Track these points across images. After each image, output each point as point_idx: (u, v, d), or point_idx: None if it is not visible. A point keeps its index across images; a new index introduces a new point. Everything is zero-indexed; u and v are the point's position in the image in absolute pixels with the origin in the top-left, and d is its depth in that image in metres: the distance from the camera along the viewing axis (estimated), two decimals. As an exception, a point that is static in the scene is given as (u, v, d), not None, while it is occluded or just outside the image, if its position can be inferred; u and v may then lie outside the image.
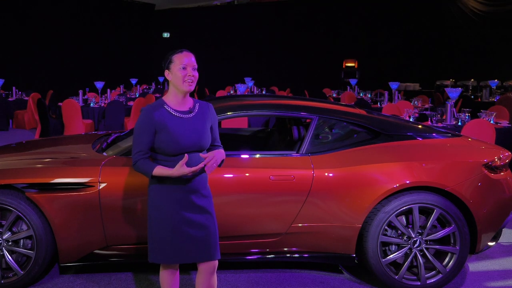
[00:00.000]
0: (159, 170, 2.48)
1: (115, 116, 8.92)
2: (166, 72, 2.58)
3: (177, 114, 2.56)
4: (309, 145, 3.45)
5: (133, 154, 2.55)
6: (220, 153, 2.58)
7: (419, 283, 3.36)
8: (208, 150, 2.72)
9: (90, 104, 9.59)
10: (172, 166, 2.48)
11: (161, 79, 17.28)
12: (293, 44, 19.21)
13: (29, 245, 3.33)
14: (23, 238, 3.33)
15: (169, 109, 2.55)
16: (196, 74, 2.57)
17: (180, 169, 2.43)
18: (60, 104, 9.23)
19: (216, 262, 2.66)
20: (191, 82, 2.54)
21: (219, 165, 2.65)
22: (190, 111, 2.60)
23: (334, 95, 13.56)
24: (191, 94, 2.87)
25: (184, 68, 2.52)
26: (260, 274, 3.67)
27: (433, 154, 3.45)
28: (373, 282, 3.55)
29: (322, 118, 3.55)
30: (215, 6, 22.11)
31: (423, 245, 3.34)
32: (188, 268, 3.64)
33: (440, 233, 3.34)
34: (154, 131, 2.51)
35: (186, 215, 2.54)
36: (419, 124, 3.94)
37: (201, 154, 2.53)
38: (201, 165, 2.44)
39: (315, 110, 3.59)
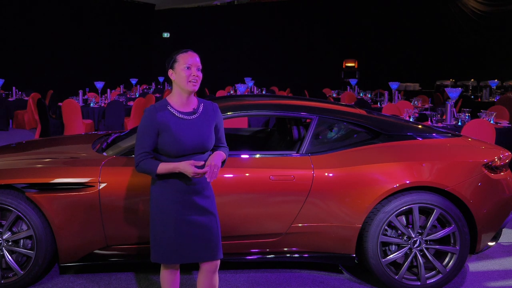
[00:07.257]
0: (164, 166, 2.47)
1: (115, 116, 8.92)
2: (170, 72, 2.56)
3: (180, 115, 2.54)
4: (309, 145, 3.45)
5: (136, 156, 2.54)
6: (219, 155, 2.57)
7: (419, 283, 3.36)
8: (213, 150, 2.70)
9: (90, 104, 9.58)
10: None
11: (161, 79, 17.29)
12: (293, 44, 19.22)
13: (29, 245, 3.33)
14: (23, 238, 3.33)
15: (172, 110, 2.54)
16: (200, 74, 2.55)
17: (187, 166, 2.41)
18: (60, 104, 9.23)
19: (218, 261, 2.65)
20: (195, 82, 2.53)
21: (222, 165, 2.65)
22: (194, 112, 2.58)
23: (334, 95, 13.55)
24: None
25: (188, 68, 2.51)
26: (260, 274, 3.67)
27: (433, 154, 3.45)
28: (373, 282, 3.55)
29: (322, 118, 3.55)
30: (215, 6, 22.11)
31: (423, 245, 3.34)
32: (189, 268, 3.64)
33: (440, 233, 3.34)
34: (157, 132, 2.50)
35: (188, 216, 2.54)
36: (419, 124, 3.93)
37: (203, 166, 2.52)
38: (205, 169, 2.43)
39: (315, 110, 3.59)
